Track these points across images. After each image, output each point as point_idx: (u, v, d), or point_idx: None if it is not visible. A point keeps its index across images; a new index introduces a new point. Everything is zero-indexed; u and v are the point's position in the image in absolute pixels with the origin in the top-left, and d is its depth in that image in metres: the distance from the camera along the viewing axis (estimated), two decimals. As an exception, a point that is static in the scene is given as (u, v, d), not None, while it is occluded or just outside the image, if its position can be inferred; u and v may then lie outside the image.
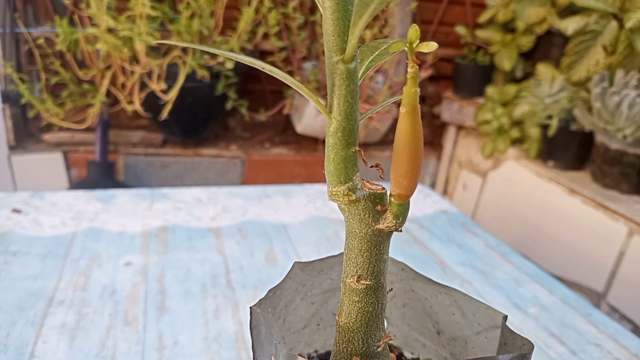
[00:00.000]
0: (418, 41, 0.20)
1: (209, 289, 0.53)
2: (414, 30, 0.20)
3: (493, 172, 1.59)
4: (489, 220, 1.57)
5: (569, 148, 1.35)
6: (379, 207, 0.24)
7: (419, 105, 0.22)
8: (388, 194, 0.24)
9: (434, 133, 1.91)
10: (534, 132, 1.42)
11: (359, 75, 0.23)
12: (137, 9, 1.23)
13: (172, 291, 0.52)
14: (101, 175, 1.45)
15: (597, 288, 1.20)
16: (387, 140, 1.80)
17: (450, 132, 1.83)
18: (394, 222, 0.24)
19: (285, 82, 0.23)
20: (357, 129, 0.23)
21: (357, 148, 0.23)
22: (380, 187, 0.24)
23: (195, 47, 0.23)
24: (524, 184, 1.44)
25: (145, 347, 0.44)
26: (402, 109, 0.21)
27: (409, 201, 0.24)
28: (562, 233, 1.29)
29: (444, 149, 1.87)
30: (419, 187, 0.86)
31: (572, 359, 0.46)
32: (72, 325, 0.46)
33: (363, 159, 0.24)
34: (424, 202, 0.79)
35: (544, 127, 1.37)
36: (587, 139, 1.32)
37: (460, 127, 1.79)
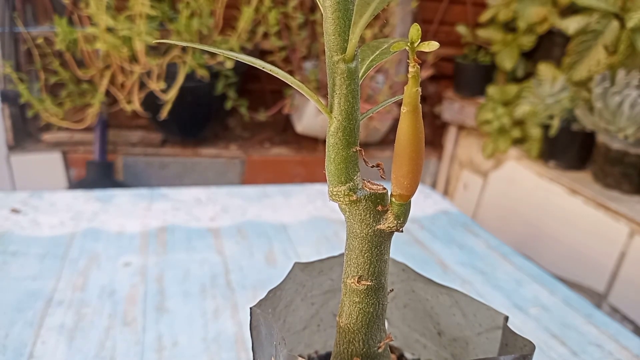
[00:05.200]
0: (419, 40, 0.20)
1: (208, 290, 0.52)
2: (415, 30, 0.20)
3: (494, 172, 1.58)
4: (489, 221, 1.57)
5: (570, 148, 1.35)
6: (379, 207, 0.24)
7: (420, 105, 0.22)
8: (389, 194, 0.24)
9: (434, 133, 1.91)
10: (535, 132, 1.41)
11: (360, 75, 0.23)
12: (136, 8, 1.23)
13: (171, 292, 0.52)
14: (100, 175, 1.44)
15: (598, 289, 1.19)
16: (387, 140, 1.80)
17: (451, 132, 1.83)
18: (395, 222, 0.24)
19: (286, 81, 0.22)
20: (358, 128, 0.23)
21: (358, 148, 0.23)
22: (381, 187, 0.24)
23: (195, 47, 0.23)
24: (525, 184, 1.44)
25: (145, 347, 0.43)
26: (404, 109, 0.21)
27: (410, 201, 0.24)
28: (563, 233, 1.29)
29: (445, 149, 1.87)
30: (419, 187, 0.85)
31: (573, 359, 0.46)
32: (71, 326, 0.45)
33: (364, 159, 0.24)
34: (424, 203, 0.79)
35: (545, 127, 1.37)
36: (588, 139, 1.31)
37: (461, 127, 1.79)
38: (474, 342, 0.30)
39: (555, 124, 1.32)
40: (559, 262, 1.28)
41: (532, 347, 0.24)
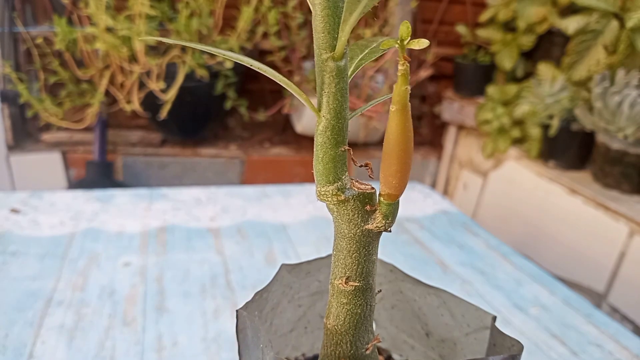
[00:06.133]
0: (409, 38, 0.20)
1: (208, 290, 0.52)
2: (405, 27, 0.20)
3: (494, 172, 1.58)
4: (489, 221, 1.57)
5: (569, 148, 1.35)
6: (368, 207, 0.23)
7: (409, 104, 0.21)
8: (377, 193, 0.24)
9: (434, 133, 1.91)
10: (534, 132, 1.41)
11: (349, 73, 0.23)
12: (136, 8, 1.23)
13: (171, 292, 0.52)
14: (100, 175, 1.44)
15: (598, 288, 1.19)
16: (387, 140, 1.79)
17: (451, 132, 1.83)
18: (383, 222, 0.23)
19: (274, 79, 0.22)
20: (347, 127, 0.23)
21: (347, 147, 0.23)
22: (370, 186, 0.24)
23: (192, 46, 0.23)
24: (525, 184, 1.44)
25: (144, 347, 0.43)
26: (392, 107, 0.21)
27: (398, 201, 0.24)
28: (563, 233, 1.29)
29: (445, 149, 1.87)
30: (419, 187, 0.85)
31: (573, 359, 0.46)
32: (70, 326, 0.45)
33: (352, 159, 0.23)
34: (424, 202, 0.79)
35: (545, 127, 1.37)
36: (588, 138, 1.31)
37: (460, 127, 1.79)
38: (462, 343, 0.30)
39: (555, 123, 1.32)
40: (559, 262, 1.28)
41: (520, 347, 0.24)
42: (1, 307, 0.47)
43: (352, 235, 0.24)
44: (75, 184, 1.50)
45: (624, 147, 1.20)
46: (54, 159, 1.52)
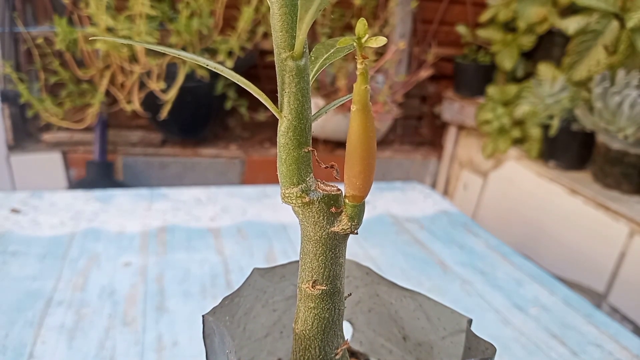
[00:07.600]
0: (366, 36, 0.19)
1: (209, 290, 0.52)
2: (361, 25, 0.19)
3: (494, 172, 1.58)
4: (489, 221, 1.57)
5: (570, 148, 1.35)
6: (333, 209, 0.23)
7: (370, 103, 0.21)
8: (343, 195, 0.23)
9: (434, 133, 1.91)
10: (535, 132, 1.41)
11: (312, 73, 0.22)
12: (136, 8, 1.23)
13: (171, 292, 0.52)
14: (100, 175, 1.44)
15: (598, 289, 1.19)
16: (387, 140, 1.80)
17: (451, 132, 1.83)
18: (349, 224, 0.23)
19: (232, 79, 0.22)
20: (310, 128, 0.22)
21: (310, 148, 0.22)
22: (335, 188, 0.23)
23: (146, 46, 0.22)
24: (525, 184, 1.44)
25: (144, 347, 0.43)
26: (353, 107, 0.21)
27: (364, 202, 0.23)
28: (563, 233, 1.29)
29: (445, 149, 1.87)
30: (419, 187, 0.85)
31: (573, 359, 0.46)
32: (70, 326, 0.45)
33: (317, 160, 0.23)
34: (424, 203, 0.79)
35: (545, 127, 1.37)
36: (588, 139, 1.31)
37: (461, 127, 1.79)
38: (438, 346, 0.30)
39: (555, 124, 1.32)
40: (558, 262, 1.28)
41: (494, 350, 0.24)
42: (1, 307, 0.47)
43: (318, 238, 0.23)
44: (75, 184, 1.50)
45: (624, 148, 1.20)
46: (55, 159, 1.52)
